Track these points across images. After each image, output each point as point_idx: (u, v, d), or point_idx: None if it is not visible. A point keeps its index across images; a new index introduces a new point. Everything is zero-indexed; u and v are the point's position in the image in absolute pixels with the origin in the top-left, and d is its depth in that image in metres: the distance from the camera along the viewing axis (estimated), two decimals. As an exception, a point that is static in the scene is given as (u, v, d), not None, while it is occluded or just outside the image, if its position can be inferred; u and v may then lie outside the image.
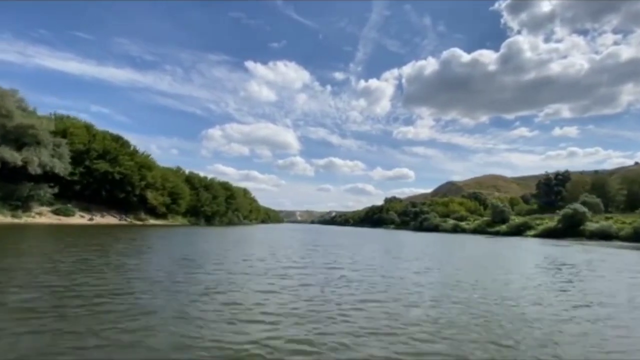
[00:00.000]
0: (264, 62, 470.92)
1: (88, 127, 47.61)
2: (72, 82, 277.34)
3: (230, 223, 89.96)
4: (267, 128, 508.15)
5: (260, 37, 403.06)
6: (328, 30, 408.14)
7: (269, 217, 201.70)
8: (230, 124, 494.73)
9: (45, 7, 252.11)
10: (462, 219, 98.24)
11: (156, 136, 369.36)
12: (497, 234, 67.59)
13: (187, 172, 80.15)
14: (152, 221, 58.81)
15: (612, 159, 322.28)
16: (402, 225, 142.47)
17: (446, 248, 30.25)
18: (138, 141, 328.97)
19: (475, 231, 76.70)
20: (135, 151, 53.89)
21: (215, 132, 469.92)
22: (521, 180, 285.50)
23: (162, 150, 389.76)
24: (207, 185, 77.75)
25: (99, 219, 48.12)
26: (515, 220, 72.25)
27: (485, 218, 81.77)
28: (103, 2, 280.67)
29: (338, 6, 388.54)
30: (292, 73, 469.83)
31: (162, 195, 57.87)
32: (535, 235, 57.10)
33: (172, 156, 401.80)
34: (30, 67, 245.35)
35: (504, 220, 75.71)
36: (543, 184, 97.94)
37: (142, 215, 56.98)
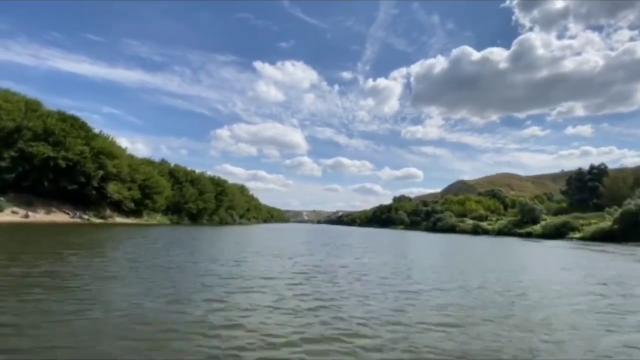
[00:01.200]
0: (272, 62, 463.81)
1: (28, 102, 38.04)
2: (84, 83, 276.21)
3: (223, 222, 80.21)
4: (274, 128, 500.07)
5: (268, 37, 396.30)
6: (335, 29, 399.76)
7: (272, 216, 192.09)
8: (238, 124, 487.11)
9: (57, 9, 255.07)
10: (481, 218, 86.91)
11: (166, 137, 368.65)
12: (529, 235, 56.45)
13: (172, 165, 70.74)
14: (118, 219, 49.11)
15: (627, 158, 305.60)
16: (412, 225, 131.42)
17: (488, 256, 19.68)
18: (148, 142, 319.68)
19: (501, 232, 65.46)
20: (95, 135, 44.23)
21: (224, 132, 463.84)
22: (536, 179, 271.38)
23: (171, 150, 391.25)
24: (194, 180, 68.10)
25: (41, 216, 38.43)
26: (549, 219, 61.01)
27: (511, 217, 70.38)
28: (113, 4, 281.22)
29: (345, 5, 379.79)
30: (299, 73, 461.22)
31: (130, 188, 48.15)
32: (581, 238, 45.96)
33: (182, 156, 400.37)
34: (44, 69, 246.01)
35: (534, 220, 64.42)
36: (575, 179, 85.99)
37: (106, 212, 47.32)
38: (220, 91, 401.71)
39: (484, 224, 75.75)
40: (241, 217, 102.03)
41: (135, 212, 53.27)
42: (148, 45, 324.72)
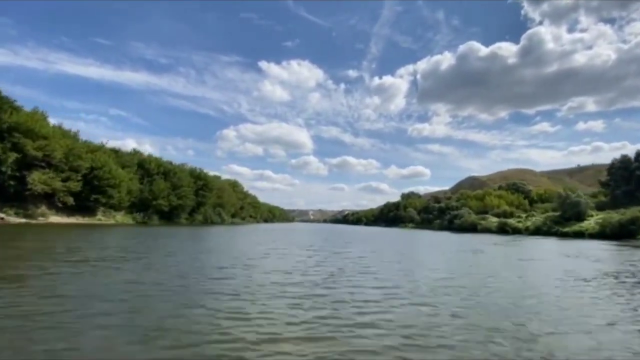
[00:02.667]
0: (278, 62, 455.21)
1: None
2: (92, 86, 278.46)
3: (208, 222, 68.91)
4: (280, 128, 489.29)
5: (272, 37, 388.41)
6: (339, 28, 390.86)
7: (274, 215, 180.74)
8: (244, 124, 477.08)
9: (65, 14, 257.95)
10: (505, 215, 74.33)
11: (172, 138, 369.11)
12: (580, 235, 44.00)
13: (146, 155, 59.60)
14: (55, 219, 37.89)
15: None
16: (423, 224, 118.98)
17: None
18: (155, 143, 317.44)
19: (538, 232, 53.02)
20: (11, 107, 32.98)
21: (230, 132, 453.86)
22: (552, 174, 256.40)
23: (178, 151, 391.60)
24: (167, 172, 56.81)
25: None
26: (599, 215, 48.53)
27: (550, 213, 57.71)
28: (119, 8, 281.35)
29: (349, 4, 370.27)
30: (305, 72, 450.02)
31: (67, 179, 36.86)
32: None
33: (189, 157, 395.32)
34: (52, 73, 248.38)
35: (578, 216, 51.89)
36: (618, 167, 72.68)
37: (37, 210, 36.10)
38: (224, 92, 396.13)
39: (512, 221, 63.22)
40: (233, 215, 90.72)
41: (85, 210, 42.04)
42: (153, 48, 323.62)
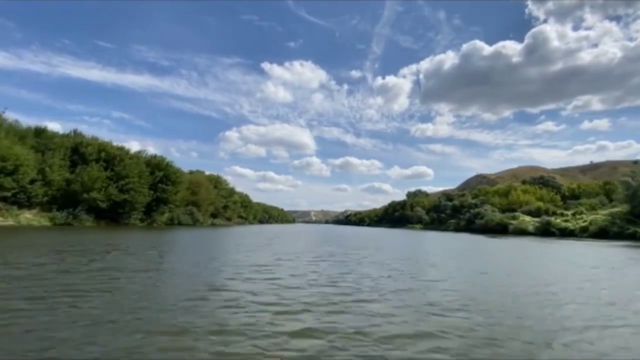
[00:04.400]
0: (280, 63, 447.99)
1: None
2: (95, 89, 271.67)
3: (175, 223, 54.97)
4: (283, 129, 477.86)
5: (274, 38, 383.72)
6: (340, 29, 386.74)
7: (271, 216, 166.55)
8: (246, 125, 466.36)
9: (66, 17, 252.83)
10: (539, 212, 59.80)
11: (175, 140, 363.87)
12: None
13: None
14: None
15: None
16: (433, 224, 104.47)
17: None
18: (158, 145, 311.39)
19: (603, 233, 38.47)
20: None
21: (232, 134, 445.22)
22: (564, 172, 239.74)
23: (181, 153, 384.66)
24: (110, 158, 42.80)
25: None
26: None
27: (616, 209, 42.91)
28: (122, 11, 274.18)
29: (350, 4, 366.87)
30: (308, 72, 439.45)
31: None
32: None
33: (192, 159, 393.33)
34: (56, 76, 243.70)
35: (658, 213, 37.44)
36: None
37: None
38: (226, 93, 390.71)
39: (558, 221, 48.62)
40: (214, 216, 76.64)
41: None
42: (155, 50, 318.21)
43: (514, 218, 59.00)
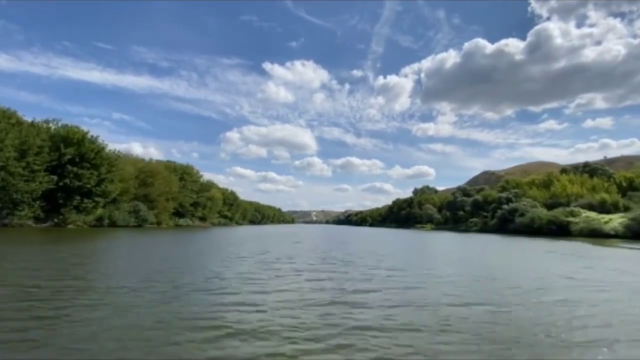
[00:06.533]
0: (281, 63, 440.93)
1: None
2: (95, 91, 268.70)
3: (104, 224, 38.79)
4: (284, 129, 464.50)
5: (274, 38, 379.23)
6: (340, 28, 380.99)
7: (264, 216, 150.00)
8: (247, 126, 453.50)
9: (66, 18, 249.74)
10: (603, 206, 43.42)
11: (176, 141, 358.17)
12: None
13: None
14: None
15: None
16: (447, 224, 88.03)
17: None
18: (160, 146, 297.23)
19: None
20: None
21: (233, 134, 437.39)
22: (576, 168, 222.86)
23: (182, 154, 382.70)
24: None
25: None
26: None
27: None
28: (120, 12, 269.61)
29: (349, 4, 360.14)
30: (310, 72, 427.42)
31: None
32: None
33: (193, 160, 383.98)
34: (56, 78, 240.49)
35: None
36: None
37: None
38: (226, 94, 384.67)
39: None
40: (180, 215, 60.24)
41: None
42: (155, 51, 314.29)
43: (572, 214, 42.52)
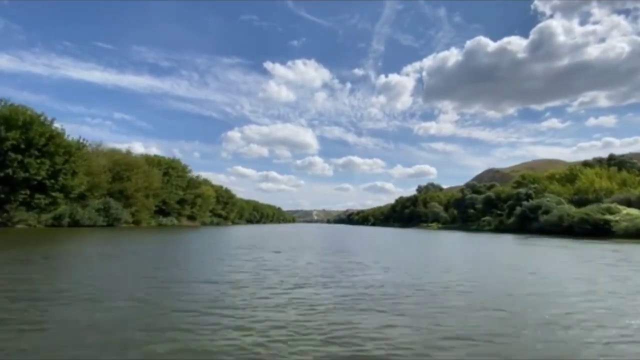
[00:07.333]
0: (283, 62, 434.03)
1: None
2: (96, 91, 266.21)
3: (66, 223, 33.03)
4: (285, 128, 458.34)
5: (275, 37, 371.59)
6: (340, 27, 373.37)
7: (263, 215, 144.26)
8: (248, 125, 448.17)
9: (66, 18, 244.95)
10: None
11: (177, 141, 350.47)
12: None
13: None
14: None
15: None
16: (455, 223, 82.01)
17: None
18: (161, 146, 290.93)
19: None
20: None
21: (235, 134, 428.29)
22: (586, 165, 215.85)
23: (184, 153, 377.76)
24: None
25: None
26: None
27: None
28: (120, 12, 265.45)
29: (349, 3, 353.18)
30: (312, 71, 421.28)
31: None
32: None
33: (194, 159, 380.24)
34: (57, 78, 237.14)
35: None
36: None
37: None
38: (227, 94, 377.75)
39: None
40: (165, 214, 54.42)
41: None
42: (155, 51, 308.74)
43: (609, 212, 36.45)
